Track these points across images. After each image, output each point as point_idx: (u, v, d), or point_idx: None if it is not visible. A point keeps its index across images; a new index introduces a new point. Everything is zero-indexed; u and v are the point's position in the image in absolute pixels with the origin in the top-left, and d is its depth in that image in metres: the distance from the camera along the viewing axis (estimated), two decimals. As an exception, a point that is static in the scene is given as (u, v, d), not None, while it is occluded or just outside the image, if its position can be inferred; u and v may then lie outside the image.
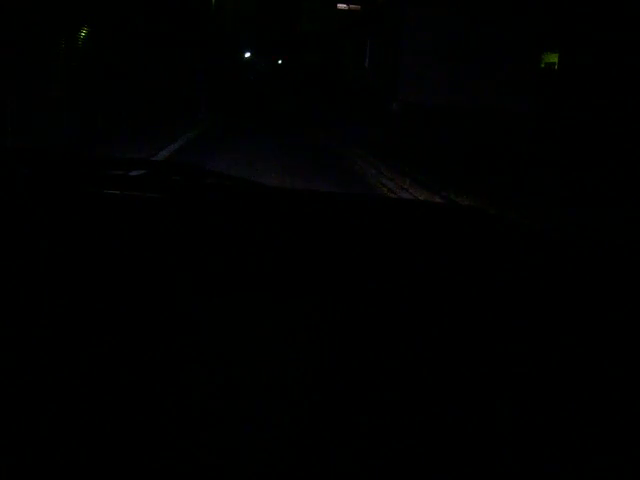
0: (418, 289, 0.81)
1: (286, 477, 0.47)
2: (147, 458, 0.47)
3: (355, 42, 25.56)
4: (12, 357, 0.58)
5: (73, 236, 0.87)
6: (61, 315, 0.65)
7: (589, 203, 6.51)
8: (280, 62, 41.46)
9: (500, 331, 0.71)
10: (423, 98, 17.70)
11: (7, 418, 0.50)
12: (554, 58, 19.99)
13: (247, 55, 40.24)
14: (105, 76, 11.49)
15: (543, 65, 19.65)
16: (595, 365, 0.66)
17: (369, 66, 22.80)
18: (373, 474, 0.48)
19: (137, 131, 11.75)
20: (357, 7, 27.81)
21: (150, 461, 0.47)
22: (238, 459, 0.48)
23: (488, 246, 1.06)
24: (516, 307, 0.79)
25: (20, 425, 0.49)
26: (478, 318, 0.74)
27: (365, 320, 0.70)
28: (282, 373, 0.59)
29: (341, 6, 31.19)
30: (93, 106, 10.99)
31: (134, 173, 1.26)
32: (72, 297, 0.69)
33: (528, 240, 1.14)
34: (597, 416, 0.57)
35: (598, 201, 6.64)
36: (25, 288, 0.71)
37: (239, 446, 0.49)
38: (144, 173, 1.19)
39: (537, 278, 0.91)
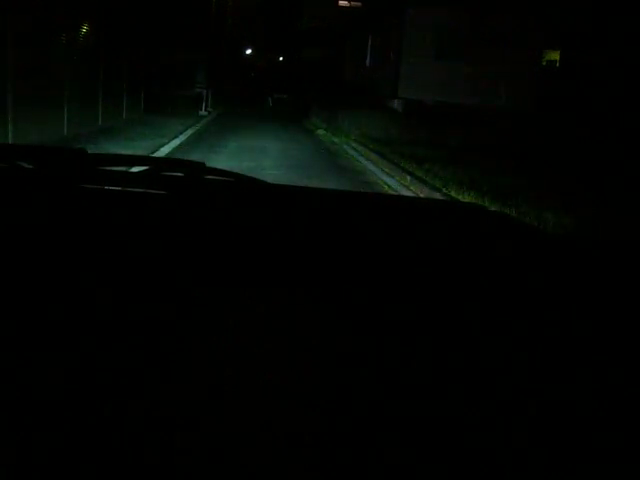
0: (419, 286, 0.81)
1: (287, 477, 0.47)
2: (145, 457, 0.47)
3: (356, 39, 25.52)
4: (12, 355, 0.58)
5: (74, 233, 0.87)
6: (62, 312, 0.65)
7: (584, 200, 6.49)
8: (281, 59, 41.42)
9: (500, 327, 0.71)
10: (424, 95, 17.69)
11: (7, 416, 0.50)
12: (555, 55, 19.96)
13: (248, 52, 40.21)
14: (105, 73, 11.48)
15: (544, 62, 19.61)
16: (595, 363, 0.66)
17: (370, 63, 22.77)
18: (377, 473, 0.48)
19: (134, 130, 11.74)
20: (358, 4, 27.74)
21: (149, 460, 0.47)
22: (238, 459, 0.48)
23: (488, 242, 1.06)
24: (517, 303, 0.79)
25: (17, 423, 0.49)
26: (478, 313, 0.74)
27: (367, 317, 0.70)
28: (283, 371, 0.59)
29: (342, 3, 31.14)
30: (92, 104, 10.98)
31: (135, 169, 1.26)
32: (73, 294, 0.70)
33: (527, 236, 1.15)
34: (600, 416, 0.57)
35: (595, 199, 6.63)
36: (26, 285, 0.71)
37: (239, 446, 0.49)
38: (146, 169, 1.19)
39: (537, 273, 0.91)
